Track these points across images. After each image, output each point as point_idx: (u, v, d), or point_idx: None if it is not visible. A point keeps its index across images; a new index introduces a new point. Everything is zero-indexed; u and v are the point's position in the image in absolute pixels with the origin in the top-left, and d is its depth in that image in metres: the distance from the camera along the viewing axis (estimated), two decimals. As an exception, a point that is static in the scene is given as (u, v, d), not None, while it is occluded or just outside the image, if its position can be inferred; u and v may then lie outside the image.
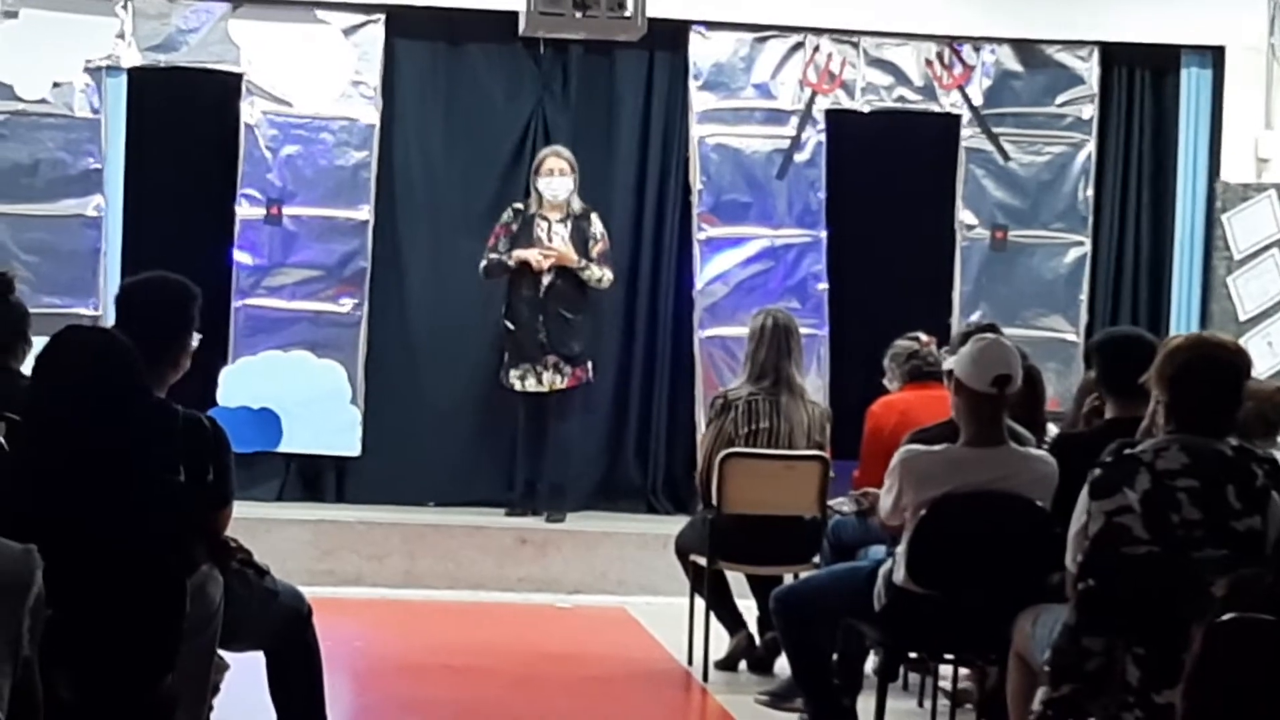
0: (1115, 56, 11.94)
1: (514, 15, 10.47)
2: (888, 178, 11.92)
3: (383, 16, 11.37)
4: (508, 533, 10.93)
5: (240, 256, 11.31)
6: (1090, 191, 11.85)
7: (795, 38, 11.68)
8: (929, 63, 11.75)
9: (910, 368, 8.37)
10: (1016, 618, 6.07)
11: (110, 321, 10.06)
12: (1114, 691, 5.02)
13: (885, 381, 8.52)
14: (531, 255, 10.91)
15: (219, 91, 11.30)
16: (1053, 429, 7.50)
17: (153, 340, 5.12)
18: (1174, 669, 4.60)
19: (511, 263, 10.94)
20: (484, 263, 11.04)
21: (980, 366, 6.35)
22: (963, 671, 7.41)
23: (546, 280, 10.97)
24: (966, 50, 11.75)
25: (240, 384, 11.21)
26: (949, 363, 6.69)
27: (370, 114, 11.38)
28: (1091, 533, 5.08)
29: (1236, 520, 5.02)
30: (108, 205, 11.18)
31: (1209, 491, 5.02)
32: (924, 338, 8.48)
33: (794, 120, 11.68)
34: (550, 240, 10.99)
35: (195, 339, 5.58)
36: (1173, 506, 5.00)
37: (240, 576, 5.67)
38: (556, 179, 11.01)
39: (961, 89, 11.76)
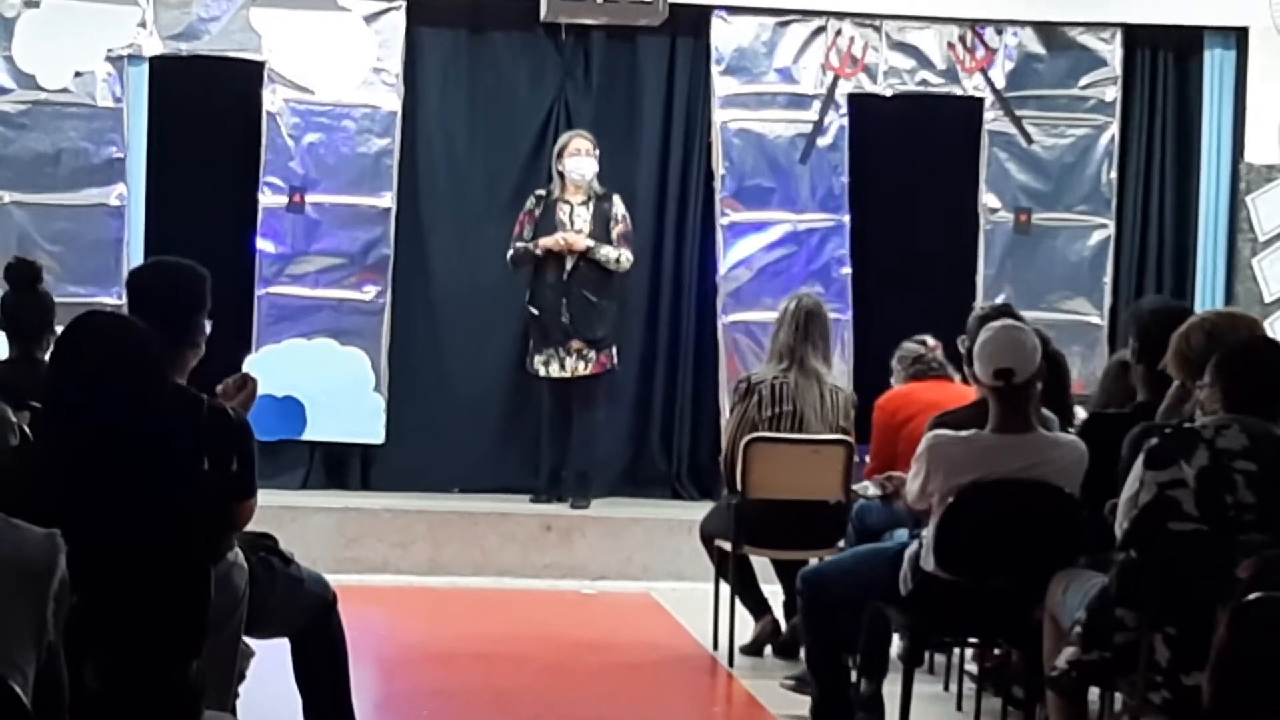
0: (1138, 38, 11.89)
1: (535, 1, 10.50)
2: (911, 161, 11.87)
3: (404, 3, 11.34)
4: (533, 519, 10.93)
5: (263, 245, 11.30)
6: (1114, 174, 11.81)
7: (817, 21, 11.64)
8: (951, 46, 11.71)
9: (915, 370, 8.42)
10: (1050, 582, 6.01)
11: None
12: (1142, 671, 5.01)
13: (891, 380, 8.54)
14: (554, 241, 10.90)
15: (241, 80, 11.30)
16: (1080, 412, 7.47)
17: (167, 323, 5.10)
18: (1204, 651, 4.58)
19: (539, 252, 10.94)
20: (510, 252, 11.04)
21: (982, 361, 6.33)
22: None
23: (570, 263, 10.97)
24: (989, 33, 11.71)
25: (264, 372, 10.99)
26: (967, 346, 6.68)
27: (392, 101, 11.37)
28: (1141, 503, 5.04)
29: None
30: (130, 194, 11.18)
31: (1266, 476, 4.97)
32: (930, 341, 8.50)
33: (816, 104, 11.64)
34: (572, 223, 10.98)
35: (208, 323, 5.55)
36: (1228, 487, 4.96)
37: (265, 564, 5.68)
38: (583, 159, 10.99)
39: (984, 72, 11.72)
